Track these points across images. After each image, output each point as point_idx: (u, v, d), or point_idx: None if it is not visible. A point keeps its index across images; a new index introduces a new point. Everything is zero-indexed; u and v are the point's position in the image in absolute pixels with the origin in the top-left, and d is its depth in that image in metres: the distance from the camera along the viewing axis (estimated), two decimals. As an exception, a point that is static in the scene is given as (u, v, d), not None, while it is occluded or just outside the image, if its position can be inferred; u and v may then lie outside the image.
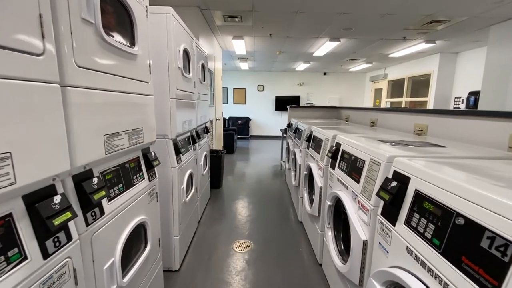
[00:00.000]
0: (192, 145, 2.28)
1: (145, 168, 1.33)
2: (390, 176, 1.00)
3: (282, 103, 9.00)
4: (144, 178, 1.30)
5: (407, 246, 0.83)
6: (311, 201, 2.30)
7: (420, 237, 0.77)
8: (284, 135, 4.78)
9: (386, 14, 3.39)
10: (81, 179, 0.86)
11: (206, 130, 3.08)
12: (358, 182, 1.29)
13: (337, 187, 1.57)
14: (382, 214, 1.01)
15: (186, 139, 2.15)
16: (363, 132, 2.04)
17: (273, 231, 2.55)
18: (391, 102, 7.63)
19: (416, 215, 0.81)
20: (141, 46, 1.21)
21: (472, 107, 4.96)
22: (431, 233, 0.73)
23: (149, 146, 1.41)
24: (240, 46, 5.09)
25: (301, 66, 7.74)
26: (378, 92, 8.38)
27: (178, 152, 1.83)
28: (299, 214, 2.75)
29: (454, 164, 0.91)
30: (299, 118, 3.75)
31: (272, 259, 2.09)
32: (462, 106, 5.49)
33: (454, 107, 5.70)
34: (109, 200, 1.00)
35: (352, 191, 1.34)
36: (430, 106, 5.98)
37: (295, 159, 3.03)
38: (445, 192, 0.72)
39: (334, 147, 1.67)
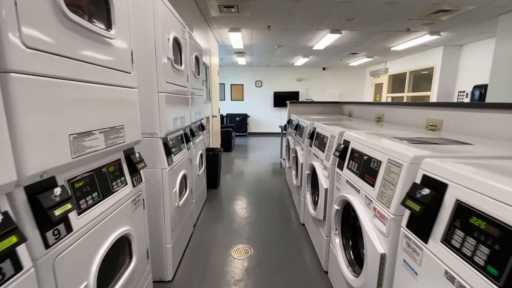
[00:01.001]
0: (185, 144, 2.11)
1: (128, 172, 1.16)
2: (418, 181, 0.83)
3: (281, 99, 8.82)
4: (126, 184, 1.13)
5: (446, 271, 0.67)
6: (314, 203, 2.14)
7: (467, 262, 0.62)
8: (283, 132, 4.62)
9: (392, 3, 3.20)
10: (38, 190, 0.69)
11: (202, 127, 2.90)
12: (373, 185, 1.13)
13: (346, 190, 1.41)
14: (408, 227, 0.85)
15: (179, 138, 1.97)
16: (370, 128, 1.87)
17: (274, 234, 2.39)
18: (392, 97, 7.47)
19: (460, 233, 0.65)
20: (119, 29, 1.03)
21: (477, 102, 4.81)
22: (485, 258, 0.57)
23: (133, 146, 1.23)
24: (237, 39, 4.89)
25: (300, 61, 7.55)
26: (378, 87, 8.22)
27: (169, 152, 1.65)
28: (301, 216, 2.60)
29: (501, 168, 0.73)
30: (299, 114, 3.57)
31: (273, 266, 1.93)
32: (466, 101, 5.34)
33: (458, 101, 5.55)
34: (79, 213, 0.83)
35: (366, 195, 1.18)
36: (433, 100, 5.82)
37: (296, 158, 2.87)
38: (503, 205, 0.55)
39: (342, 146, 1.51)
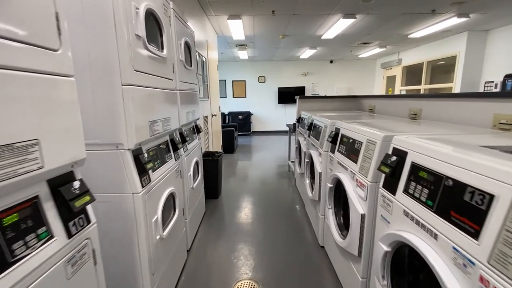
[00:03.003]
0: (172, 153, 1.64)
1: (56, 216, 0.69)
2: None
3: (286, 95, 8.31)
4: (53, 237, 0.66)
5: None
6: (341, 226, 1.66)
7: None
8: (291, 130, 4.12)
9: (421, -24, 2.67)
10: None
11: (197, 129, 2.43)
12: (463, 229, 0.64)
13: (406, 226, 0.92)
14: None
15: (161, 146, 1.50)
16: (420, 129, 1.38)
17: (286, 263, 1.92)
18: (407, 90, 6.91)
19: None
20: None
21: None
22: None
23: (71, 170, 0.76)
24: (237, 28, 4.38)
25: (306, 53, 7.01)
26: (390, 79, 7.65)
27: (142, 169, 1.18)
28: (319, 237, 2.11)
29: None
30: (311, 111, 3.08)
31: (290, 315, 1.46)
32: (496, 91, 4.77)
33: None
34: None
35: (448, 239, 0.69)
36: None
37: (311, 164, 2.38)
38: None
39: (394, 158, 1.01)
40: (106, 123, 1.08)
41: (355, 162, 1.37)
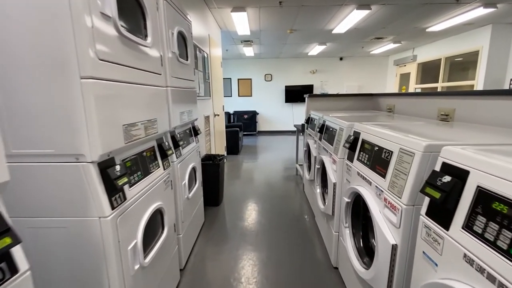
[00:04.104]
0: (160, 161, 1.39)
1: None
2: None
3: (293, 94, 8.00)
4: None
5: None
6: (361, 251, 1.38)
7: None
8: (298, 130, 3.83)
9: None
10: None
11: (194, 132, 2.18)
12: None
13: (467, 278, 0.64)
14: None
15: (144, 155, 1.25)
16: (466, 135, 1.08)
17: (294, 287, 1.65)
18: (422, 89, 6.51)
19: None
20: None
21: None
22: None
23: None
24: (242, 22, 4.12)
25: (315, 50, 6.69)
26: (404, 77, 7.25)
27: (113, 186, 0.93)
28: (332, 257, 1.84)
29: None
30: (322, 111, 2.79)
31: None
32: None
33: None
34: None
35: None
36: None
37: (322, 171, 2.10)
38: None
39: (446, 178, 0.72)
40: (62, 128, 0.83)
41: (383, 176, 1.09)
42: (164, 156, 1.43)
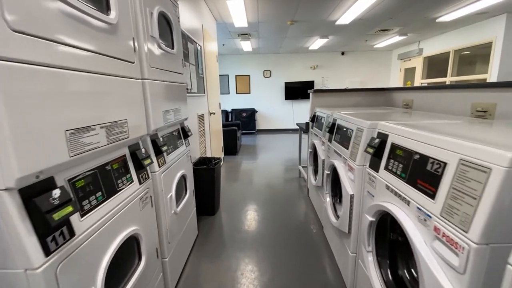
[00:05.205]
0: (133, 175, 1.08)
1: None
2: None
3: (293, 91, 7.69)
4: None
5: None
6: (389, 285, 1.08)
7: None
8: (300, 128, 3.53)
9: None
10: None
11: (184, 133, 1.87)
12: None
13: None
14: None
15: (107, 168, 0.94)
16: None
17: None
18: (429, 83, 6.22)
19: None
20: None
21: None
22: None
23: None
24: (239, 13, 3.80)
25: (316, 44, 6.37)
26: (409, 72, 6.96)
27: (45, 222, 0.62)
28: (348, 283, 1.54)
29: None
30: (329, 107, 2.49)
31: None
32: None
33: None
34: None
35: None
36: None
37: (333, 178, 1.81)
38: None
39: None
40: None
41: (430, 196, 0.79)
42: (140, 167, 1.13)
